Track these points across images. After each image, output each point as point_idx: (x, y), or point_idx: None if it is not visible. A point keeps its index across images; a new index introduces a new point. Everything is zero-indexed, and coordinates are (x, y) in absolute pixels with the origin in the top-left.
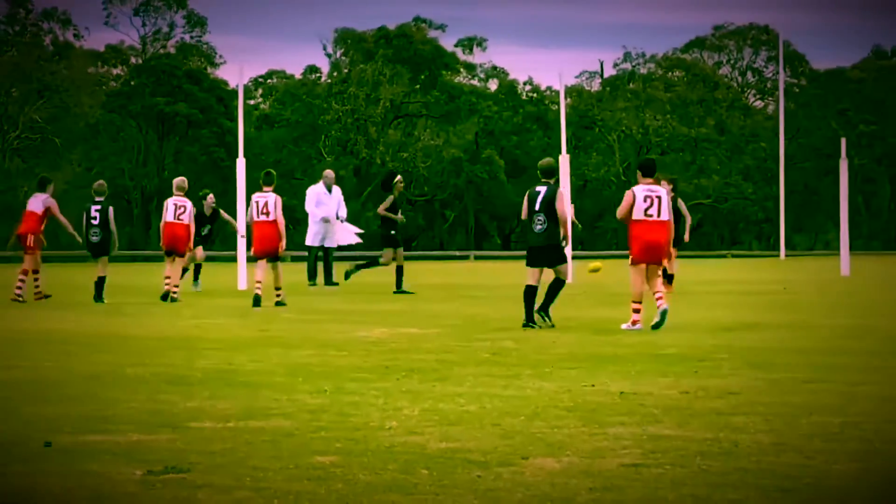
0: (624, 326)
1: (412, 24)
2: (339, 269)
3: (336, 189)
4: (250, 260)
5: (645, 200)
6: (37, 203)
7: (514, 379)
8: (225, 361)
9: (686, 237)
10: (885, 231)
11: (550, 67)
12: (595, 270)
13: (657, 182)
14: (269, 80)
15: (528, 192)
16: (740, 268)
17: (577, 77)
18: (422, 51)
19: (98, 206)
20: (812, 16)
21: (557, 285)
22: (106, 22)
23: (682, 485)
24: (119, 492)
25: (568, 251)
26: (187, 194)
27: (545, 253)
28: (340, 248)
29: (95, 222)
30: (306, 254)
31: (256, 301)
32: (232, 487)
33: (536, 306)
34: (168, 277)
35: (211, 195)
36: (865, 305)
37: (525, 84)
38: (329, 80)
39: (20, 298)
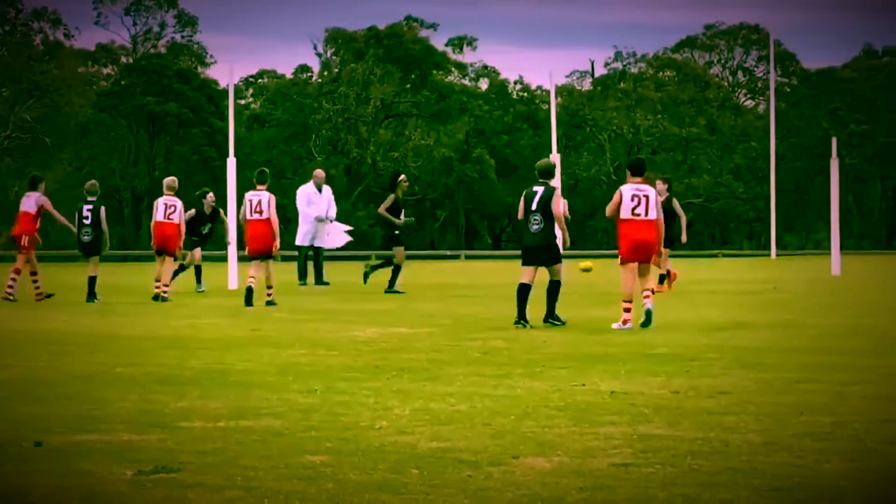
0: (615, 326)
1: (403, 24)
2: (329, 269)
3: (326, 188)
4: (241, 260)
5: (632, 199)
6: (29, 203)
7: (505, 378)
8: (216, 361)
9: (683, 237)
10: (875, 230)
11: (541, 67)
12: (587, 270)
13: (647, 181)
14: (259, 80)
15: (524, 192)
16: (731, 267)
17: (567, 76)
18: (412, 50)
19: (90, 206)
20: (803, 15)
21: (554, 287)
22: (96, 21)
23: (673, 484)
24: (110, 491)
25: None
26: (178, 194)
27: (541, 252)
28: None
29: (87, 222)
30: (296, 253)
31: (248, 293)
32: (222, 487)
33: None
34: (158, 279)
35: (211, 194)
36: (856, 305)
37: (516, 83)
38: (320, 80)
39: (11, 297)
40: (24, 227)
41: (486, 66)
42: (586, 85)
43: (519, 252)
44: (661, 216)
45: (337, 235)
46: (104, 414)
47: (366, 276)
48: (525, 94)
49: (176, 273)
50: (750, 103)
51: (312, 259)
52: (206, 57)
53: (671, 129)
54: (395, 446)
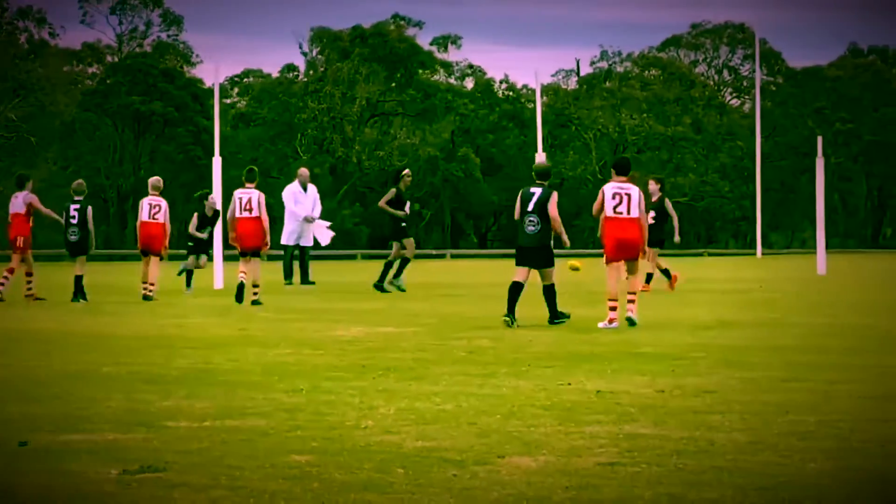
0: (601, 325)
1: (390, 22)
2: (314, 269)
3: (311, 187)
4: (227, 260)
5: (614, 198)
6: (18, 203)
7: (491, 378)
8: (202, 360)
9: (676, 237)
10: (861, 229)
11: (527, 66)
12: (575, 269)
13: (632, 180)
14: (245, 79)
15: (520, 192)
16: (717, 266)
17: (553, 75)
18: (398, 49)
19: (77, 206)
20: (788, 14)
21: (549, 291)
22: (82, 20)
23: (659, 483)
24: (96, 491)
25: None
26: (163, 193)
27: (535, 254)
28: (317, 247)
29: (74, 221)
30: (282, 252)
31: (240, 289)
32: (208, 486)
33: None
34: (145, 280)
35: (212, 195)
36: (842, 304)
37: (501, 82)
38: (305, 79)
39: None
40: (18, 230)
41: (471, 65)
42: (572, 84)
43: (505, 251)
44: (644, 215)
45: (322, 233)
46: (90, 413)
47: (396, 286)
48: (510, 93)
49: (189, 277)
50: (735, 102)
51: (298, 258)
52: (192, 56)
53: (657, 128)
54: (381, 446)
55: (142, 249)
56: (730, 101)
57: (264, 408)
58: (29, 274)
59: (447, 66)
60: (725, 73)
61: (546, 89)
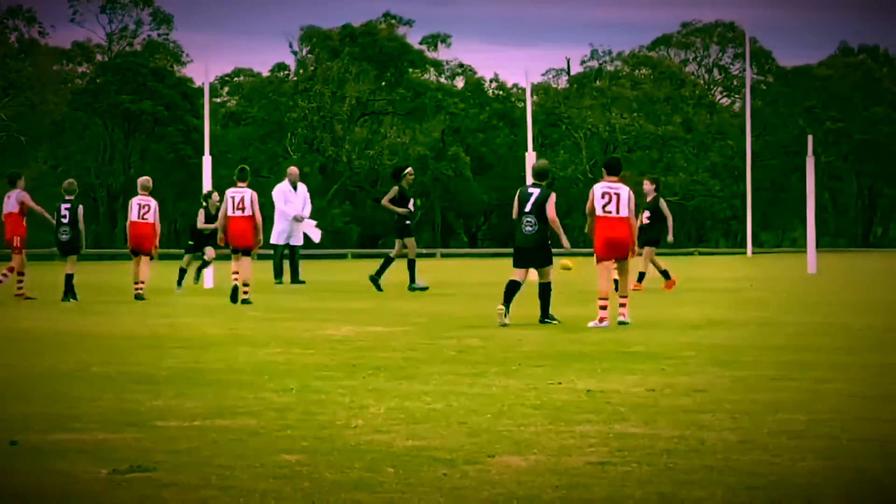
0: (591, 324)
1: (381, 20)
2: (304, 268)
3: (301, 186)
4: (217, 259)
5: (603, 197)
6: (11, 203)
7: (481, 377)
8: (192, 360)
9: (670, 237)
10: (851, 228)
11: (517, 65)
12: (566, 268)
13: (623, 181)
14: (235, 78)
15: (518, 192)
16: (707, 265)
17: (543, 74)
18: (387, 48)
19: (68, 205)
20: (779, 13)
21: (545, 290)
22: (72, 19)
23: (649, 483)
24: (85, 490)
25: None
26: (153, 193)
27: (533, 254)
28: (307, 246)
29: (65, 220)
30: (272, 252)
31: (234, 291)
32: (198, 486)
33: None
34: (136, 280)
35: (216, 194)
36: (832, 303)
37: (491, 81)
38: (295, 78)
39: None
40: (14, 230)
41: (461, 65)
42: (562, 83)
43: (495, 250)
44: (633, 215)
45: (312, 231)
46: (80, 413)
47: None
48: (501, 93)
49: (181, 276)
50: (726, 101)
51: (288, 258)
52: (182, 56)
53: (647, 128)
54: (371, 445)
55: (132, 249)
56: (720, 100)
57: (254, 407)
58: (20, 273)
59: (437, 66)
60: (716, 72)
61: (536, 88)
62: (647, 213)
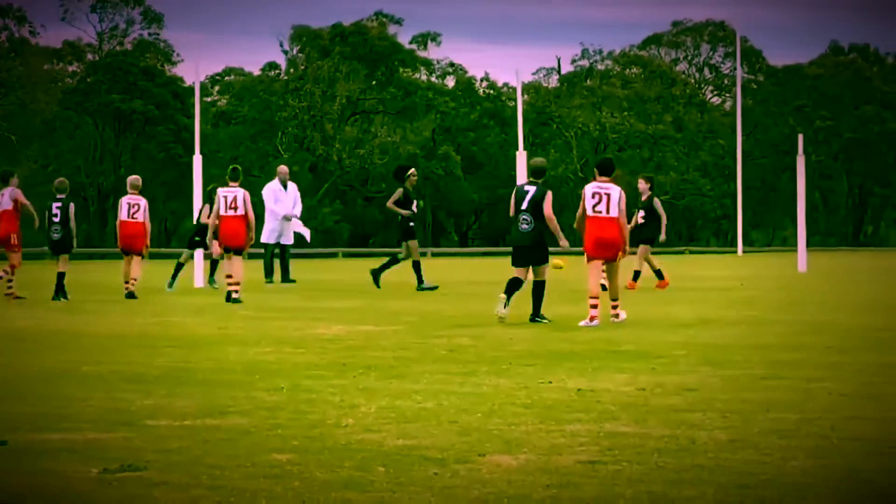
0: (582, 323)
1: (373, 18)
2: (295, 267)
3: (292, 185)
4: (206, 258)
5: (593, 197)
6: (5, 200)
7: (471, 376)
8: (183, 359)
9: (662, 236)
10: (841, 227)
11: (508, 64)
12: (558, 267)
13: (615, 181)
14: (226, 78)
15: (515, 190)
16: (698, 264)
17: (534, 74)
18: (378, 47)
19: (59, 204)
20: (769, 12)
21: (539, 287)
22: (63, 18)
23: (639, 482)
24: (76, 490)
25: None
26: (143, 192)
27: (529, 252)
28: (298, 245)
29: (56, 219)
30: (262, 251)
31: (229, 297)
32: (188, 485)
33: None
34: (127, 279)
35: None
36: (822, 302)
37: (482, 80)
38: (286, 77)
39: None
40: (9, 227)
41: (452, 64)
42: (553, 82)
43: (486, 249)
44: (624, 215)
45: (302, 229)
46: (70, 412)
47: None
48: (491, 92)
49: (176, 272)
50: (716, 100)
51: (279, 257)
52: (173, 55)
53: (637, 127)
54: (362, 444)
55: (123, 249)
56: (711, 99)
57: (245, 406)
58: (6, 271)
59: (428, 65)
60: (706, 71)
61: (527, 87)
62: (641, 213)
